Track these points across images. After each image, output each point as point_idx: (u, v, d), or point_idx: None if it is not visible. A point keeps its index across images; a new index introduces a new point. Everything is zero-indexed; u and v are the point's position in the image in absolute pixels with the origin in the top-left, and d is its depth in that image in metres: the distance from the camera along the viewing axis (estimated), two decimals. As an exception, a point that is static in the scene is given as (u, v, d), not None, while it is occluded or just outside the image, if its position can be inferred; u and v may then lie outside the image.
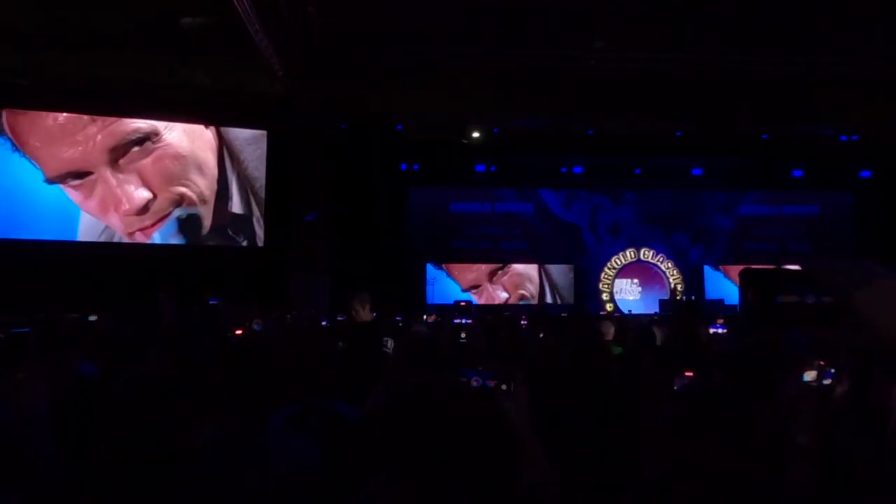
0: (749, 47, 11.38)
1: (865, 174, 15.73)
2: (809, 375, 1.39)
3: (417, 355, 1.72)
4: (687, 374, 1.48)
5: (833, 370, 1.33)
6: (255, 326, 3.16)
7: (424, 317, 6.25)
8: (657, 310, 13.47)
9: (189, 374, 1.35)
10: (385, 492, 1.19)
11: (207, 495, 1.52)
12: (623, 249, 15.89)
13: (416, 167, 15.07)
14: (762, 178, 15.72)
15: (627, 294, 15.88)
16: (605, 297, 15.75)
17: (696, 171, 15.67)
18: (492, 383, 1.49)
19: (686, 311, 11.55)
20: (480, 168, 15.34)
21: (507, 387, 1.48)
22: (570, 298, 15.51)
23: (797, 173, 15.75)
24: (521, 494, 1.30)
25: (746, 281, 0.72)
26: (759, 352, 2.15)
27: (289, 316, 7.11)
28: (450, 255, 15.50)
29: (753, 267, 0.74)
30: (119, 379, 1.22)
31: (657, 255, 15.88)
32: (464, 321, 3.23)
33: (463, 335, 3.07)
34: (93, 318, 4.61)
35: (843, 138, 14.65)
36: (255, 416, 1.76)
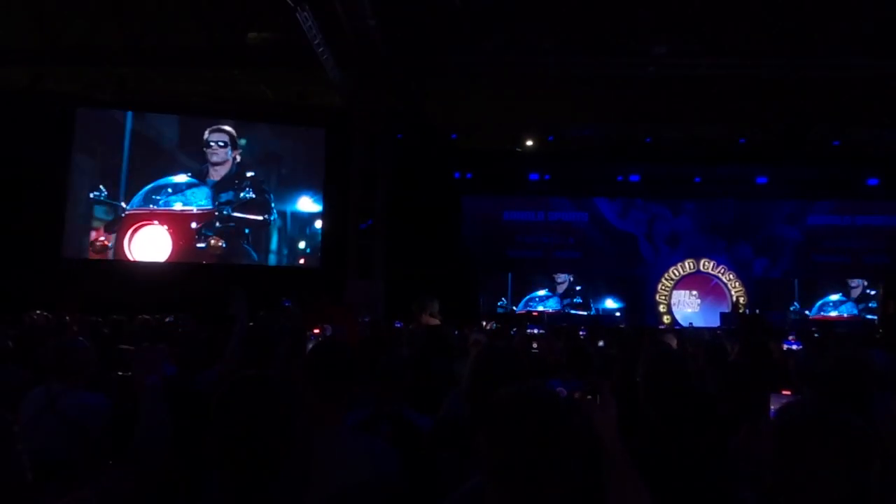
0: (818, 49, 10.86)
1: (948, 183, 14.71)
2: None
3: (497, 366, 1.72)
4: (784, 392, 1.41)
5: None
6: (326, 330, 3.24)
7: (483, 323, 6.23)
8: (718, 323, 12.98)
9: (283, 376, 1.39)
10: (479, 494, 1.19)
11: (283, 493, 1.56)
12: (681, 260, 15.40)
13: (469, 176, 15.11)
14: (833, 187, 14.93)
15: (686, 306, 15.37)
16: (661, 308, 15.30)
17: (761, 180, 15.05)
18: (576, 394, 1.47)
19: (751, 325, 11.05)
20: (534, 176, 15.23)
21: (594, 398, 1.46)
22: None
23: (872, 182, 14.89)
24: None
25: (890, 290, 0.67)
26: (853, 371, 2.04)
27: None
28: (503, 264, 15.43)
29: None
30: (222, 380, 1.28)
31: (718, 266, 15.32)
32: (536, 331, 3.18)
33: (535, 345, 3.04)
34: (169, 318, 4.82)
35: (924, 144, 13.76)
36: (335, 417, 1.80)
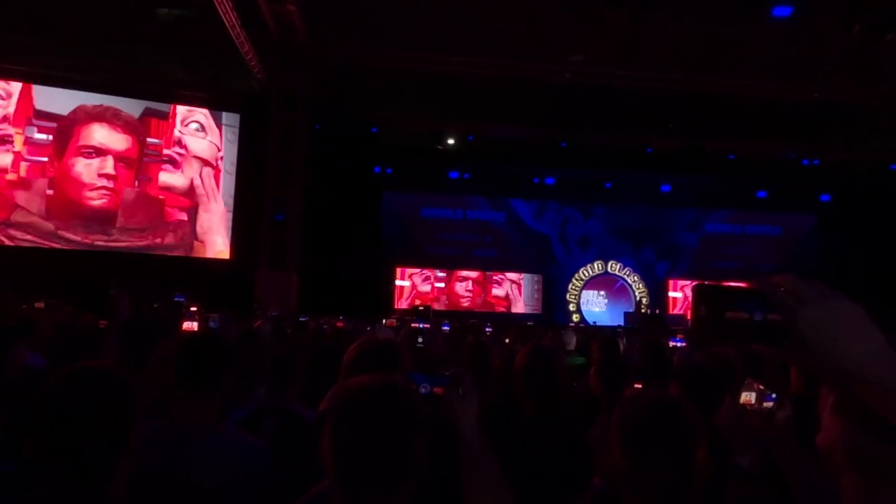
0: (720, 70, 11.68)
1: (825, 198, 16.27)
2: (747, 398, 1.41)
3: (371, 359, 1.70)
4: (636, 385, 1.50)
5: (774, 394, 1.35)
6: (212, 323, 3.08)
7: (384, 321, 6.17)
8: (622, 322, 13.66)
9: (129, 369, 1.31)
10: (325, 494, 1.17)
11: (147, 492, 1.48)
12: (591, 261, 16.09)
13: (389, 171, 15.03)
14: (728, 198, 16.13)
15: (594, 306, 16.08)
16: (571, 307, 15.92)
17: (665, 188, 15.99)
18: (440, 390, 1.46)
19: (651, 324, 11.74)
20: (454, 175, 15.38)
21: (458, 390, 1.47)
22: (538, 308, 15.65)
23: (761, 194, 16.20)
24: (467, 500, 1.29)
25: (699, 296, 0.72)
26: (713, 367, 2.20)
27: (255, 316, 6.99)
28: (421, 260, 15.48)
29: (706, 283, 0.74)
30: (53, 373, 1.18)
31: (624, 268, 16.14)
32: (421, 325, 3.16)
33: (420, 340, 3.03)
34: (39, 304, 4.44)
35: (805, 162, 15.13)
36: (207, 413, 1.72)
